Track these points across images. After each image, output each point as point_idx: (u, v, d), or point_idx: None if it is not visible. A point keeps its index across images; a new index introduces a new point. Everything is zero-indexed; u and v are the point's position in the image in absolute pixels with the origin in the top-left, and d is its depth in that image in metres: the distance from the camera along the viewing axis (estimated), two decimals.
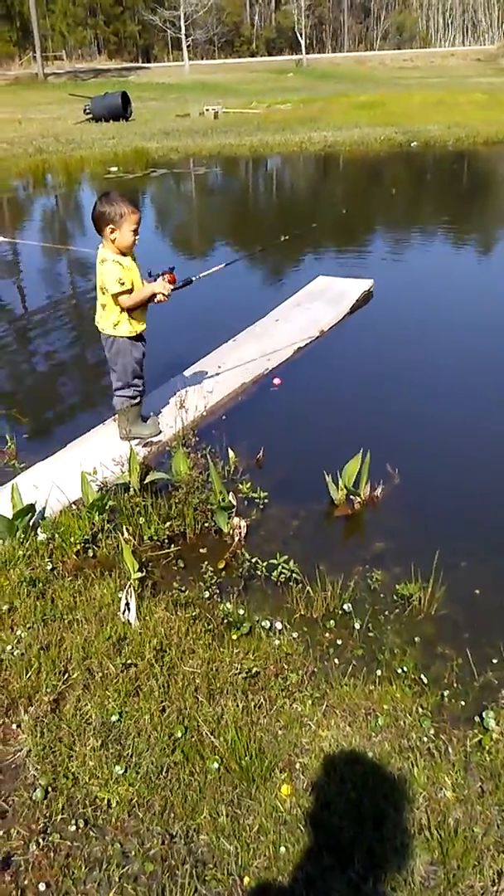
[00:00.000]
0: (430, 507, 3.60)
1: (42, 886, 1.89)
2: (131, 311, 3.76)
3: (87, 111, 22.70)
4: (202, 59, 66.85)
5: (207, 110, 23.31)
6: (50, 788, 2.15)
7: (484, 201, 12.12)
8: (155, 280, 3.80)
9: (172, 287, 3.82)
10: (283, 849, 1.96)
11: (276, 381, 4.92)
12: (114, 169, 14.71)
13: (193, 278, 4.03)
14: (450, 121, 18.58)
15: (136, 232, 3.66)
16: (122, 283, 3.64)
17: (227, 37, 75.21)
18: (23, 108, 27.75)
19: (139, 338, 3.87)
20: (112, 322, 3.79)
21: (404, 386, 4.95)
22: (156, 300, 3.79)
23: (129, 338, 3.81)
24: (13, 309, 7.27)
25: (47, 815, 2.08)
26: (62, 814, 2.08)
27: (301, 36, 60.29)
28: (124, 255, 3.70)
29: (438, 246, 9.14)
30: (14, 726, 2.36)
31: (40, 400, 5.17)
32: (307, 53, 59.85)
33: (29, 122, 22.48)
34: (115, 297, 3.68)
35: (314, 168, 15.63)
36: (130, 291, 3.70)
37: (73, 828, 2.04)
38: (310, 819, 2.04)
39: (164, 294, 3.75)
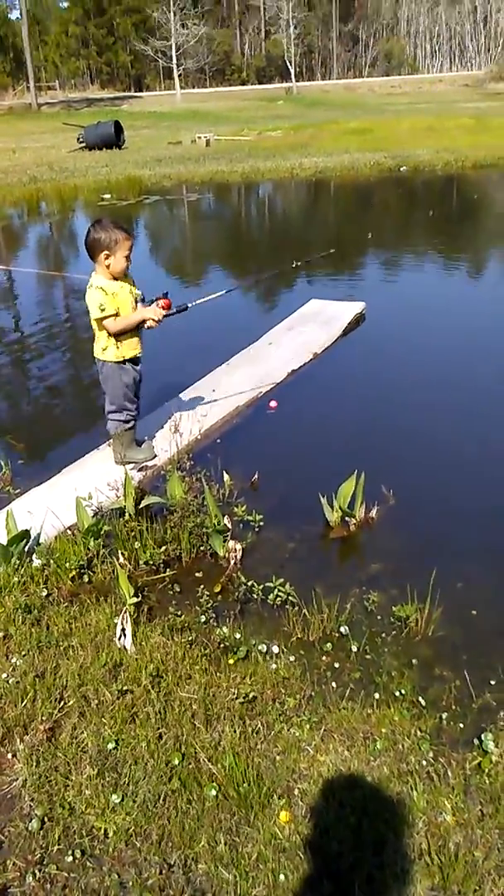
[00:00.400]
0: (425, 528, 3.59)
1: None
2: (119, 335, 3.77)
3: (81, 140, 22.96)
4: (193, 87, 67.73)
5: (199, 138, 23.61)
6: (46, 819, 2.12)
7: (474, 225, 12.25)
8: (148, 306, 3.83)
9: (166, 313, 3.84)
10: (282, 877, 1.94)
11: (273, 403, 4.94)
12: (107, 196, 14.86)
13: (189, 304, 4.05)
14: (438, 145, 18.86)
15: (128, 258, 3.70)
16: (103, 310, 3.66)
17: (218, 66, 76.34)
18: (17, 137, 28.07)
19: (131, 361, 3.88)
20: (101, 347, 3.81)
21: (398, 407, 4.98)
22: (146, 326, 3.82)
23: (116, 363, 3.83)
24: (8, 335, 7.30)
25: (44, 845, 2.06)
26: (59, 844, 2.05)
27: (291, 64, 61.21)
28: (116, 279, 3.73)
29: (430, 269, 9.22)
30: (9, 755, 2.33)
31: (35, 425, 5.18)
32: (297, 81, 60.72)
33: (23, 152, 22.73)
34: (99, 322, 3.71)
35: (305, 194, 15.81)
36: (117, 316, 3.72)
37: (70, 858, 2.01)
38: (309, 846, 2.01)
39: (154, 320, 3.77)
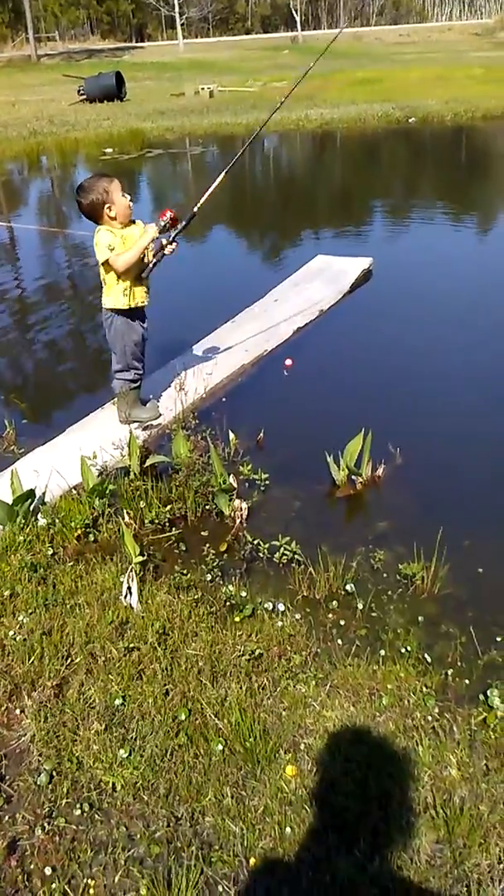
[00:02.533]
0: (432, 487, 3.57)
1: (48, 870, 1.89)
2: (125, 279, 3.69)
3: (82, 92, 22.47)
4: (196, 37, 65.95)
5: (203, 89, 23.07)
6: (54, 773, 2.15)
7: (484, 177, 11.99)
8: (164, 230, 3.70)
9: (176, 231, 3.74)
10: (288, 829, 1.96)
11: (288, 361, 4.86)
12: (109, 150, 14.58)
13: (195, 209, 3.92)
14: (447, 96, 18.38)
15: (125, 195, 3.61)
16: (112, 248, 3.59)
17: (222, 14, 74.22)
18: (16, 90, 27.47)
19: (137, 317, 3.82)
20: (107, 293, 3.74)
21: (405, 365, 4.92)
22: (167, 251, 3.73)
23: (125, 315, 3.77)
24: (10, 294, 7.21)
25: (52, 799, 2.08)
26: (67, 798, 2.08)
27: (296, 12, 59.41)
28: (130, 225, 3.65)
29: (440, 223, 9.04)
30: (18, 711, 2.35)
31: (38, 385, 5.15)
32: (303, 30, 59.01)
33: (23, 105, 22.26)
34: (107, 265, 3.63)
35: (311, 146, 15.47)
36: None
37: (78, 812, 2.04)
38: (315, 799, 2.03)
39: (156, 231, 3.65)
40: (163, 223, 3.68)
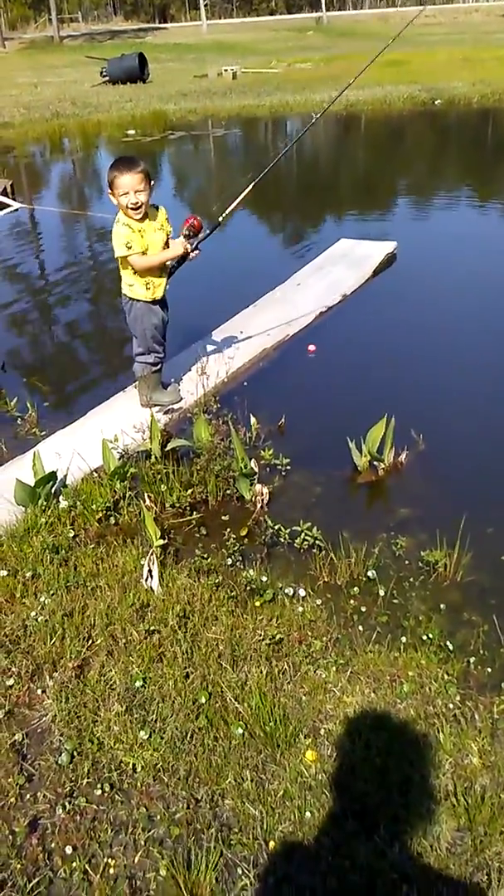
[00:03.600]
0: (455, 474, 3.54)
1: (69, 849, 1.91)
2: (145, 274, 3.69)
3: (104, 74, 22.38)
4: (220, 18, 65.31)
5: (226, 70, 22.87)
6: (75, 753, 2.16)
7: None
8: (187, 237, 3.73)
9: (200, 238, 3.76)
10: (308, 814, 1.96)
11: (311, 347, 4.83)
12: (131, 132, 14.52)
13: (220, 219, 3.99)
14: (474, 78, 18.06)
15: (128, 194, 3.54)
16: (130, 247, 3.58)
17: None
18: (39, 71, 27.42)
19: (157, 303, 3.82)
20: (128, 284, 3.74)
21: (429, 351, 4.86)
22: (190, 257, 3.76)
23: (145, 302, 3.76)
24: (32, 276, 7.23)
25: (73, 779, 2.09)
26: (88, 778, 2.09)
27: None
28: (143, 220, 3.63)
29: (465, 208, 8.92)
30: (39, 691, 2.37)
31: (60, 368, 5.15)
32: (328, 11, 58.21)
33: (45, 86, 22.22)
34: (124, 259, 3.62)
35: (335, 128, 15.30)
36: (144, 254, 3.64)
37: (99, 792, 2.05)
38: (335, 784, 2.03)
39: (185, 247, 3.68)
40: (186, 231, 3.72)
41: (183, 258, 3.78)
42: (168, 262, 3.76)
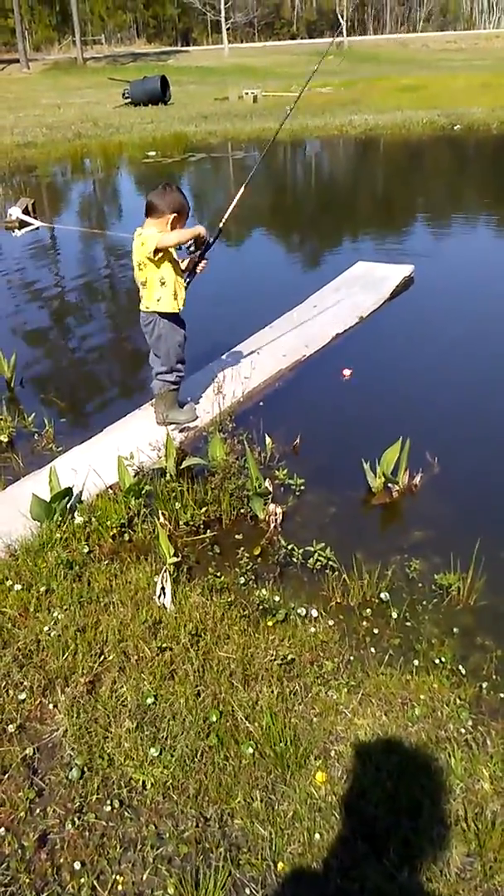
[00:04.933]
0: (470, 497, 3.54)
1: (77, 865, 1.91)
2: (171, 283, 3.73)
3: (126, 95, 22.74)
4: (242, 42, 66.19)
5: (247, 94, 23.17)
6: (86, 768, 2.17)
7: None
8: (190, 253, 3.84)
9: (206, 246, 3.85)
10: (317, 835, 1.95)
11: (347, 372, 4.83)
12: (152, 153, 14.71)
13: (220, 226, 4.08)
14: (494, 104, 18.21)
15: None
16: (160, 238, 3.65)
17: (268, 19, 74.37)
18: (62, 92, 27.89)
19: (180, 321, 3.87)
20: (155, 298, 3.76)
21: (445, 374, 4.87)
22: (199, 270, 3.85)
23: (171, 318, 3.80)
24: (50, 294, 7.31)
25: (83, 794, 2.10)
26: (97, 794, 2.10)
27: (342, 18, 59.33)
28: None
29: (483, 233, 8.97)
30: (51, 706, 2.38)
31: (77, 384, 5.20)
32: (349, 36, 58.92)
33: (68, 107, 22.59)
34: (155, 251, 3.60)
35: (354, 152, 15.43)
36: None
37: (109, 808, 2.05)
38: (345, 807, 2.02)
39: (201, 238, 3.79)
40: (191, 247, 3.82)
41: (193, 270, 3.88)
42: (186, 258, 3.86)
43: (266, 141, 15.70)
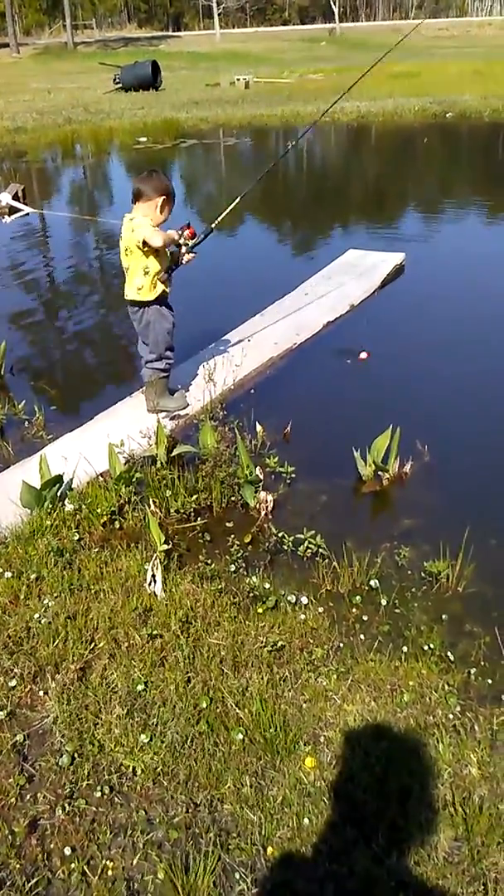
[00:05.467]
0: (460, 485, 3.55)
1: (67, 850, 1.92)
2: (155, 271, 3.73)
3: (117, 81, 22.54)
4: (233, 27, 65.71)
5: (238, 80, 23.02)
6: (76, 755, 2.17)
7: None
8: (177, 247, 3.85)
9: (195, 242, 3.86)
10: (306, 820, 1.97)
11: (364, 354, 4.83)
12: (143, 139, 14.61)
13: (213, 226, 4.08)
14: (486, 91, 18.16)
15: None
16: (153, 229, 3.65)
17: (259, 4, 73.86)
18: (52, 77, 27.63)
19: (167, 304, 3.86)
20: (136, 287, 3.76)
21: (436, 362, 4.87)
22: (184, 261, 3.86)
23: (157, 304, 3.79)
24: (41, 281, 7.27)
25: (73, 780, 2.11)
26: (88, 780, 2.10)
27: (335, 4, 58.94)
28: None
29: (474, 221, 8.96)
30: (41, 693, 2.38)
31: (68, 372, 5.19)
32: (341, 22, 58.54)
33: (58, 92, 22.38)
34: (145, 243, 3.61)
35: (346, 139, 15.37)
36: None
37: (99, 794, 2.06)
38: (334, 792, 2.04)
39: (185, 244, 3.81)
40: (178, 238, 3.83)
41: (177, 260, 3.88)
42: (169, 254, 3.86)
43: (261, 128, 15.66)
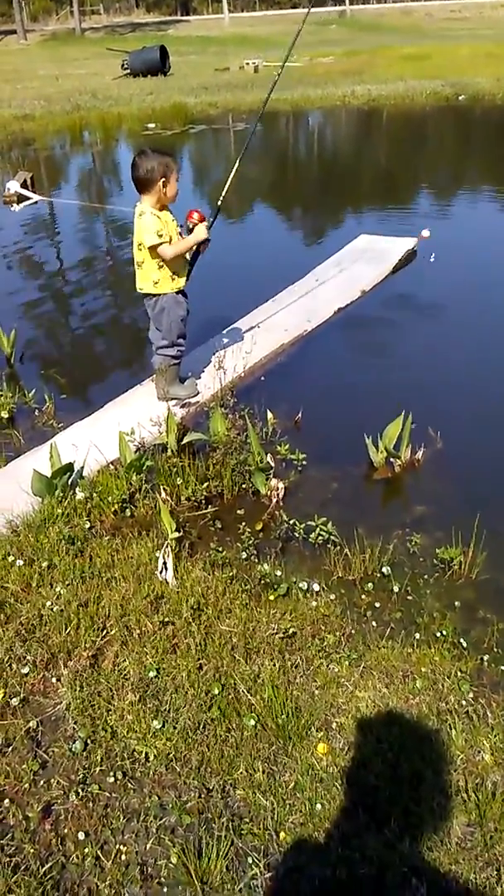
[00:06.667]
0: (472, 472, 3.53)
1: (81, 835, 1.93)
2: (171, 265, 3.71)
3: (125, 66, 22.38)
4: (242, 11, 65.06)
5: (247, 64, 22.79)
6: (89, 741, 2.18)
7: None
8: (190, 231, 3.76)
9: (207, 225, 3.81)
10: (318, 806, 1.97)
11: (426, 232, 4.85)
12: (151, 125, 14.52)
13: (219, 203, 4.06)
14: (500, 74, 17.87)
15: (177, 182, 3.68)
16: (161, 235, 3.60)
17: None
18: (60, 63, 27.48)
19: (182, 292, 3.84)
20: (152, 280, 3.75)
21: (448, 348, 4.84)
22: (201, 249, 3.81)
23: (173, 294, 3.78)
24: (50, 268, 7.27)
25: (86, 766, 2.12)
26: (101, 766, 2.12)
27: None
28: (164, 209, 3.67)
29: (487, 206, 8.86)
30: (54, 680, 2.40)
31: (78, 360, 5.18)
32: (351, 4, 57.84)
33: (66, 79, 22.24)
34: (154, 249, 3.63)
35: (357, 123, 15.22)
36: (170, 242, 3.67)
37: (112, 779, 2.07)
38: (346, 778, 2.04)
39: (207, 233, 3.75)
40: (190, 225, 3.76)
41: (198, 250, 3.82)
42: (190, 253, 3.81)
43: (268, 111, 15.48)
